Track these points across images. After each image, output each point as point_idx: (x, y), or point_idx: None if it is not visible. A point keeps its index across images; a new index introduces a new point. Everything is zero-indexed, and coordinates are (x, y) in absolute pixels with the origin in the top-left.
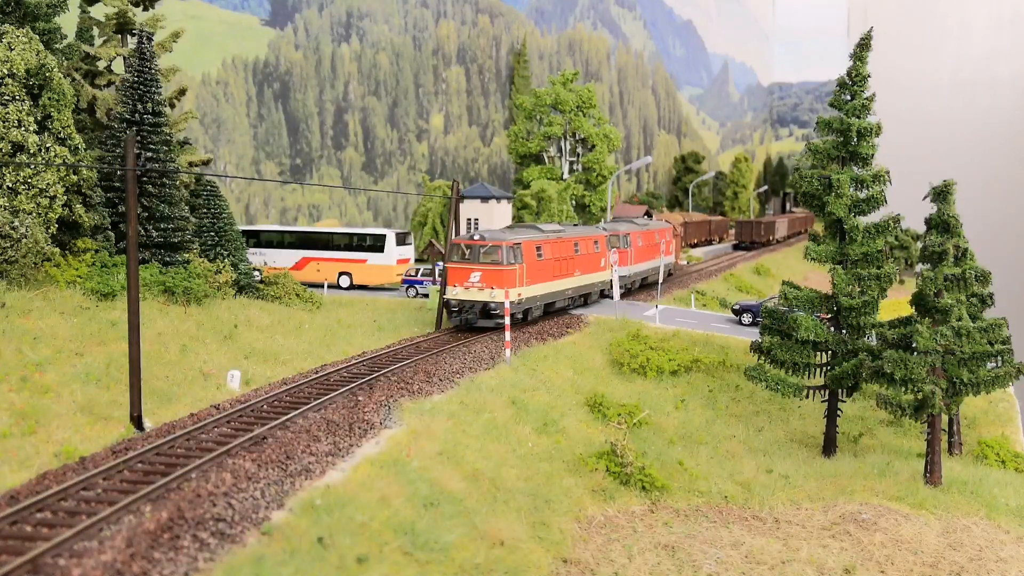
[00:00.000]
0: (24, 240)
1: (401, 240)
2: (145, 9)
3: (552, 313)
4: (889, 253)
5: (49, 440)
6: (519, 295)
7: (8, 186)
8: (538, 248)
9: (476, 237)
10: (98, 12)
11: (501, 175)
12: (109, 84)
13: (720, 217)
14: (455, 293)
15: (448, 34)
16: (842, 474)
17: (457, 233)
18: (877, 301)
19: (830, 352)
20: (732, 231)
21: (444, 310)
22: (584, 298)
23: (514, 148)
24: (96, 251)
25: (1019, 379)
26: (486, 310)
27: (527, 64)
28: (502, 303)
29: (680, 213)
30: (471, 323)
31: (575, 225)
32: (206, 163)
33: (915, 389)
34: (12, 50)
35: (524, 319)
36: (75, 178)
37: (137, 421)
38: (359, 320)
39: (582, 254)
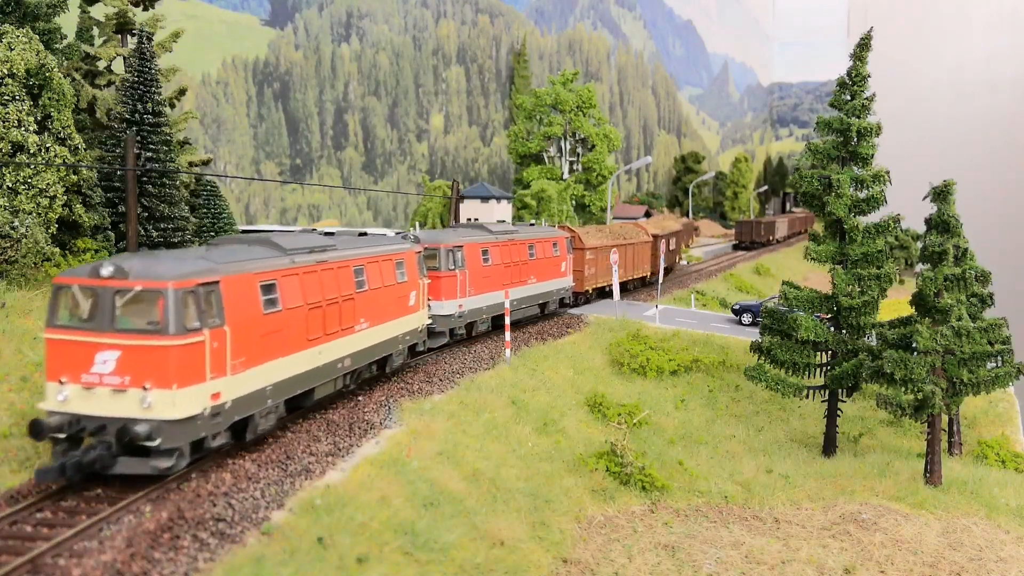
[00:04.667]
0: (24, 240)
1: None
2: (145, 9)
3: (306, 410)
4: (889, 253)
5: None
6: (214, 396)
7: (8, 186)
8: (268, 288)
9: (106, 272)
10: (98, 12)
11: (501, 175)
12: (109, 84)
13: (686, 220)
14: (62, 397)
15: (448, 34)
16: (842, 474)
17: None
18: (877, 301)
19: (830, 352)
20: (698, 237)
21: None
22: (379, 365)
23: (514, 148)
24: (96, 251)
25: (1019, 379)
26: (129, 438)
27: (527, 64)
28: (166, 422)
29: (654, 220)
30: (98, 466)
31: (361, 234)
32: (206, 163)
33: (915, 389)
34: (12, 50)
35: (239, 438)
36: (75, 178)
37: None
38: None
39: (371, 289)
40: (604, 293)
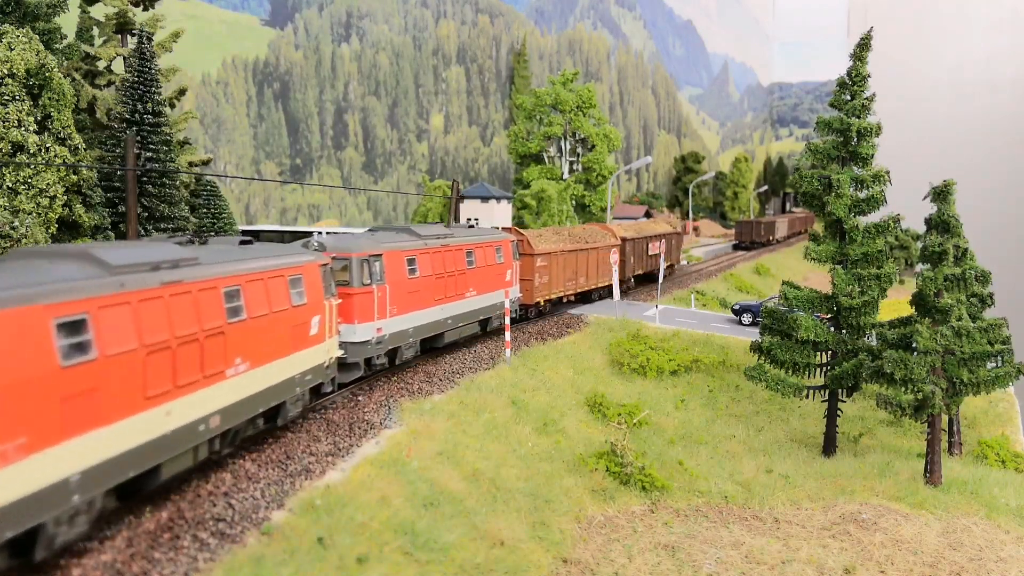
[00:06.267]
0: (24, 240)
1: None
2: (145, 9)
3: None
4: (889, 253)
5: None
6: None
7: (8, 186)
8: (71, 327)
9: None
10: (98, 12)
11: (501, 175)
12: (109, 84)
13: (667, 223)
14: None
15: (448, 34)
16: (842, 474)
17: None
18: (877, 301)
19: (830, 352)
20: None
21: None
22: (267, 417)
23: (514, 148)
24: None
25: (1019, 379)
26: None
27: (527, 64)
28: None
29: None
30: None
31: (245, 241)
32: (206, 163)
33: (915, 389)
34: (12, 50)
35: (23, 556)
36: (75, 178)
37: None
38: None
39: (253, 318)
40: (560, 304)
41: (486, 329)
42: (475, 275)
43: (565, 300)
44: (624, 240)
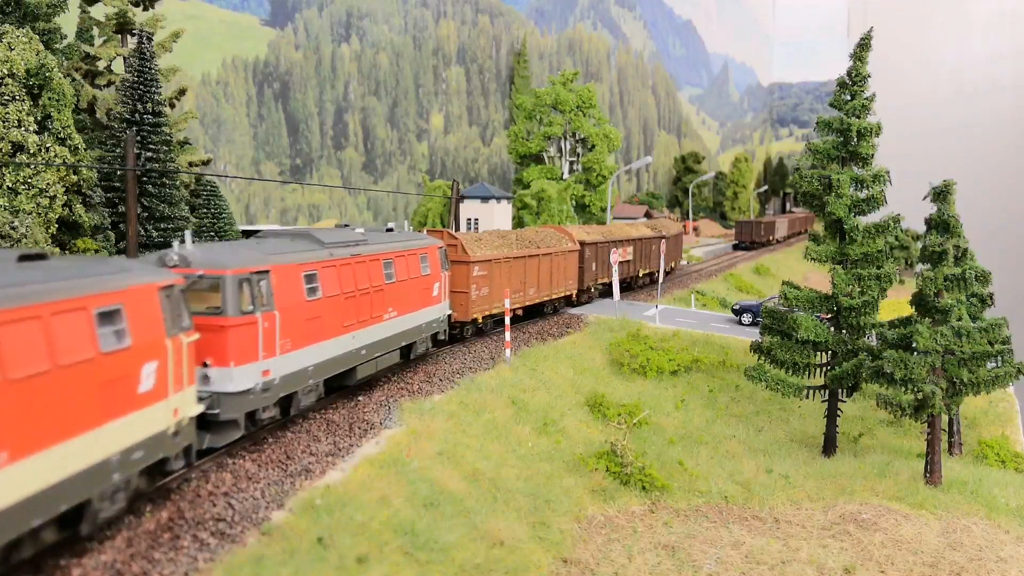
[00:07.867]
0: (24, 240)
1: None
2: (145, 9)
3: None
4: (889, 253)
5: None
6: None
7: (8, 186)
8: None
9: None
10: (98, 12)
11: (501, 175)
12: (109, 84)
13: (647, 227)
14: None
15: (448, 34)
16: (842, 474)
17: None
18: (877, 301)
19: (830, 352)
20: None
21: None
22: (65, 519)
23: (514, 148)
24: (96, 251)
25: (1019, 379)
26: None
27: (527, 64)
28: None
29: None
30: None
31: (28, 257)
32: (206, 163)
33: (915, 389)
34: (12, 50)
35: None
36: (75, 178)
37: None
38: None
39: (21, 383)
40: (502, 322)
41: (409, 357)
42: (395, 291)
43: (516, 313)
44: (584, 245)
